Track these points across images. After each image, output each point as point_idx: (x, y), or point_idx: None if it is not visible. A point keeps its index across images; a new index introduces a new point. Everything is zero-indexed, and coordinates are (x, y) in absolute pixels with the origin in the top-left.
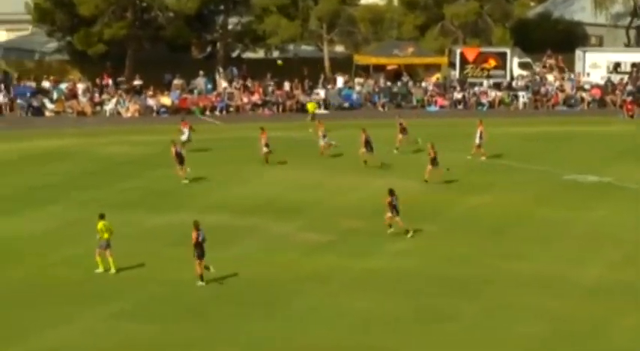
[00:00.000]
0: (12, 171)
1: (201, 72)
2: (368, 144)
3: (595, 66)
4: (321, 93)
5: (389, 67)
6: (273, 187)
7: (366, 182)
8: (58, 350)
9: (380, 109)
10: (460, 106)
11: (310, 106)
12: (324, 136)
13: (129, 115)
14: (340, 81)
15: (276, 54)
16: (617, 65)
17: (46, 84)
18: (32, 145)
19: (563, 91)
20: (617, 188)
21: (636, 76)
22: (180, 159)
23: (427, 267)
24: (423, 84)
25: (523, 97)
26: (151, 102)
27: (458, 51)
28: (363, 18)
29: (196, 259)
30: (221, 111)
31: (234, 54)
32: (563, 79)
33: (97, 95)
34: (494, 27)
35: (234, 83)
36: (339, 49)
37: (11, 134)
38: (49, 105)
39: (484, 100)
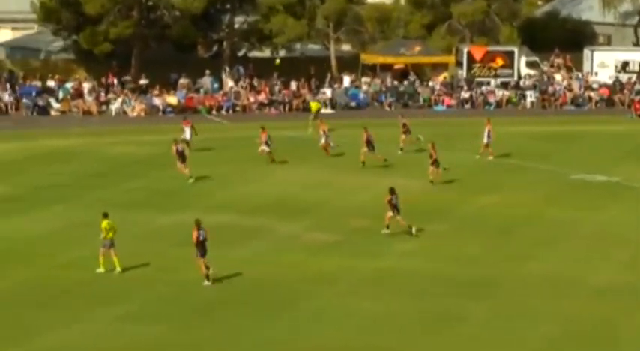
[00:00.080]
0: (17, 171)
1: (207, 71)
2: (369, 143)
3: (603, 65)
4: (327, 92)
5: (396, 66)
6: (280, 186)
7: (374, 182)
8: None
9: (387, 108)
10: (467, 106)
11: (313, 105)
12: (327, 136)
13: (135, 114)
14: (347, 80)
15: (282, 53)
16: (625, 64)
17: (51, 83)
18: (38, 145)
19: (571, 90)
20: (625, 188)
21: None
22: (182, 157)
23: (435, 267)
24: (430, 83)
25: (530, 96)
26: (157, 101)
27: (465, 50)
28: (370, 17)
29: (199, 258)
30: (227, 110)
31: (241, 53)
32: (571, 78)
33: (102, 94)
34: (501, 26)
35: (241, 82)
36: (346, 48)
37: (17, 134)
38: (55, 104)
39: (491, 99)
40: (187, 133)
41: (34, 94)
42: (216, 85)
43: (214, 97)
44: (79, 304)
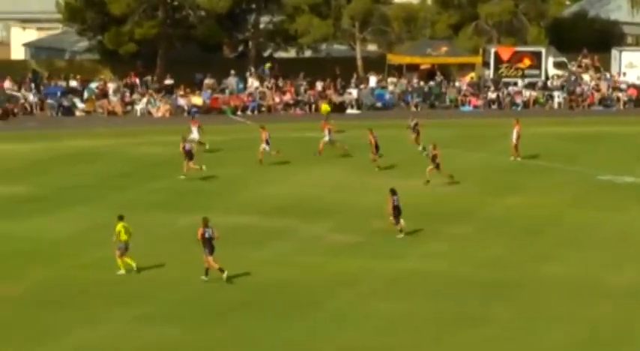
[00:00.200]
0: (42, 171)
1: (232, 71)
2: (376, 146)
3: (631, 65)
4: (353, 93)
5: (422, 67)
6: (302, 187)
7: (395, 183)
8: None
9: (413, 108)
10: (494, 106)
11: (324, 107)
12: (329, 133)
13: (160, 115)
14: (373, 80)
15: (308, 53)
16: None
17: (73, 83)
18: (62, 145)
19: (598, 90)
20: None
21: None
22: (189, 155)
23: (458, 269)
24: (457, 84)
25: (558, 96)
26: (181, 102)
27: (492, 50)
28: (396, 17)
29: (207, 255)
30: (252, 111)
31: (266, 53)
32: (599, 78)
33: (127, 95)
34: (529, 26)
35: (266, 83)
36: (372, 48)
37: (41, 134)
38: (80, 105)
39: (518, 100)
40: (195, 133)
41: (58, 94)
42: (241, 86)
43: (239, 97)
44: (98, 304)
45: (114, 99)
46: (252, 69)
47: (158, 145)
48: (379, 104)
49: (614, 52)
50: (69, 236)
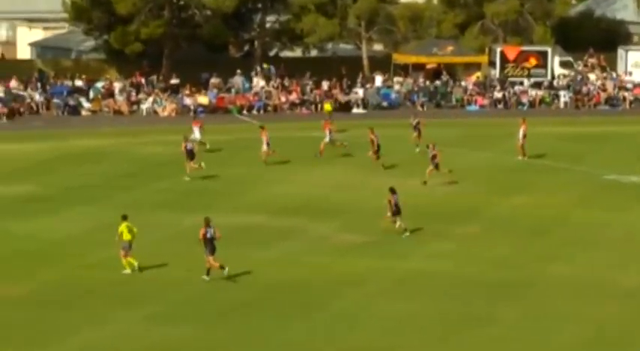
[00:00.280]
0: (48, 171)
1: (238, 71)
2: (377, 145)
3: (637, 65)
4: (359, 92)
5: (428, 66)
6: (308, 187)
7: (403, 183)
8: None
9: (419, 108)
10: (500, 106)
11: (327, 106)
12: (330, 133)
13: (166, 114)
14: (379, 80)
15: (314, 53)
16: None
17: (78, 83)
18: (68, 145)
19: (604, 90)
20: None
21: None
22: (191, 155)
23: (465, 269)
24: (463, 83)
25: (564, 96)
26: (187, 101)
27: (498, 50)
28: (402, 16)
29: (208, 255)
30: (259, 110)
31: (272, 53)
32: (605, 78)
33: (133, 94)
34: (535, 25)
35: (272, 82)
36: (378, 47)
37: (47, 133)
38: (86, 104)
39: (524, 99)
40: (197, 133)
41: (64, 93)
42: (247, 85)
43: (245, 96)
44: (106, 304)
45: (120, 98)
46: (258, 68)
47: (164, 144)
48: (385, 104)
49: (620, 52)
50: (75, 236)
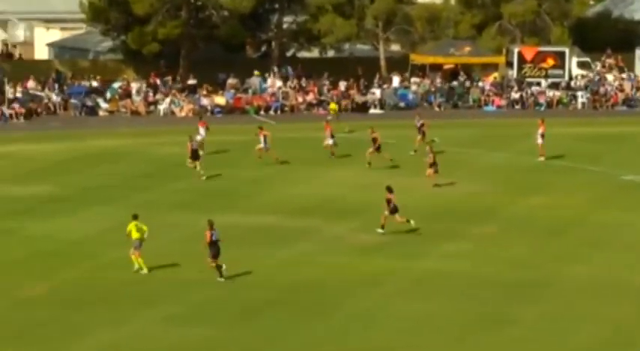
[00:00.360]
0: (65, 171)
1: (255, 71)
2: (378, 145)
3: None
4: (376, 92)
5: (445, 67)
6: (326, 188)
7: (419, 183)
8: None
9: (436, 108)
10: (517, 106)
11: (332, 106)
12: (332, 137)
13: (183, 114)
14: (396, 80)
15: (331, 53)
16: None
17: (94, 84)
18: (86, 145)
19: (622, 90)
20: None
21: None
22: (194, 155)
23: (482, 269)
24: (480, 84)
25: (582, 97)
26: (205, 101)
27: (515, 50)
28: (419, 17)
29: (211, 258)
30: (276, 111)
31: (289, 53)
32: (622, 78)
33: (150, 95)
34: (552, 26)
35: (289, 83)
36: (395, 48)
37: (65, 134)
38: (103, 104)
39: (542, 100)
40: (202, 133)
41: (82, 94)
42: (264, 86)
43: (262, 97)
44: (124, 304)
45: (137, 99)
46: (275, 69)
47: (181, 145)
48: (402, 104)
49: (638, 52)
50: (92, 236)
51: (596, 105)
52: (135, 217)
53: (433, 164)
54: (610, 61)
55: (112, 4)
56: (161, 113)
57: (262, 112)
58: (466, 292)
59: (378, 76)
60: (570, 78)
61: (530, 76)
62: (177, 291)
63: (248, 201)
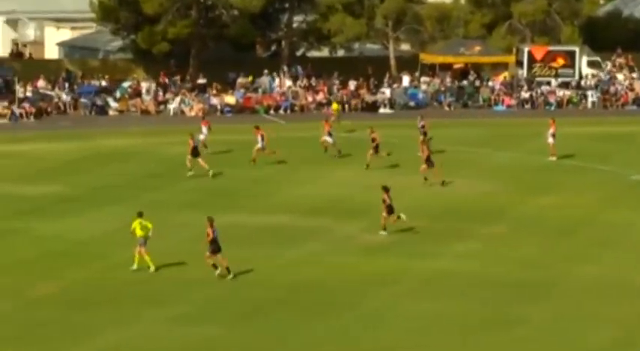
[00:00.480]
0: (75, 170)
1: (265, 71)
2: (376, 144)
3: None
4: (386, 92)
5: (455, 66)
6: (336, 187)
7: (427, 183)
8: None
9: (446, 108)
10: (527, 106)
11: (334, 106)
12: (330, 135)
13: (193, 114)
14: (406, 80)
15: (341, 53)
16: None
17: (102, 83)
18: (95, 145)
19: (632, 90)
20: None
21: None
22: (193, 152)
23: (492, 269)
24: (490, 83)
25: (592, 96)
26: (214, 101)
27: (526, 49)
28: (429, 16)
29: (211, 255)
30: (285, 110)
31: (299, 52)
32: (633, 78)
33: (160, 94)
34: (562, 25)
35: (299, 82)
36: (405, 47)
37: (75, 133)
38: (113, 104)
39: (552, 99)
40: (204, 133)
41: (92, 93)
42: (274, 85)
43: (272, 96)
44: (132, 304)
45: (147, 98)
46: (285, 68)
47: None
48: (412, 103)
49: None
50: (101, 236)
51: (607, 104)
52: (139, 215)
53: (427, 160)
54: (620, 60)
55: (122, 3)
56: (171, 113)
57: (272, 112)
58: (475, 292)
59: (387, 75)
60: (580, 77)
61: (540, 76)
62: (184, 290)
63: (257, 200)
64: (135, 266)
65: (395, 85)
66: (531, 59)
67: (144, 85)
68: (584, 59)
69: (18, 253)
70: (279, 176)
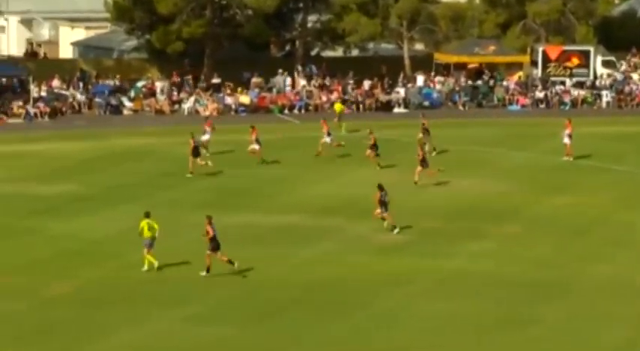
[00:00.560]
0: (90, 170)
1: (279, 70)
2: (375, 146)
3: None
4: (401, 91)
5: (470, 66)
6: (349, 187)
7: (443, 182)
8: None
9: (460, 108)
10: (542, 106)
11: (337, 107)
12: (329, 135)
13: (207, 113)
14: (420, 79)
15: (355, 52)
16: None
17: (117, 83)
18: (110, 144)
19: None
20: None
21: None
22: (194, 152)
23: (506, 268)
24: (505, 83)
25: (607, 96)
26: (229, 100)
27: (540, 49)
28: (443, 16)
29: (210, 252)
30: (300, 109)
31: (314, 52)
32: None
33: (175, 94)
34: (577, 25)
35: (313, 82)
36: (419, 47)
37: (89, 133)
38: (127, 103)
39: (567, 99)
40: (207, 134)
41: (106, 93)
42: (286, 84)
43: (287, 96)
44: (146, 303)
45: (161, 98)
46: (299, 68)
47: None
48: (426, 103)
49: None
50: (116, 235)
51: (621, 104)
52: (147, 215)
53: (422, 161)
54: (635, 60)
55: (137, 3)
56: (185, 112)
57: (286, 111)
58: (490, 291)
59: (402, 75)
60: (595, 77)
61: (554, 75)
62: (200, 290)
63: (270, 200)
64: (145, 267)
65: (409, 85)
66: (546, 59)
67: (158, 85)
68: (599, 59)
69: (33, 252)
70: (293, 176)
